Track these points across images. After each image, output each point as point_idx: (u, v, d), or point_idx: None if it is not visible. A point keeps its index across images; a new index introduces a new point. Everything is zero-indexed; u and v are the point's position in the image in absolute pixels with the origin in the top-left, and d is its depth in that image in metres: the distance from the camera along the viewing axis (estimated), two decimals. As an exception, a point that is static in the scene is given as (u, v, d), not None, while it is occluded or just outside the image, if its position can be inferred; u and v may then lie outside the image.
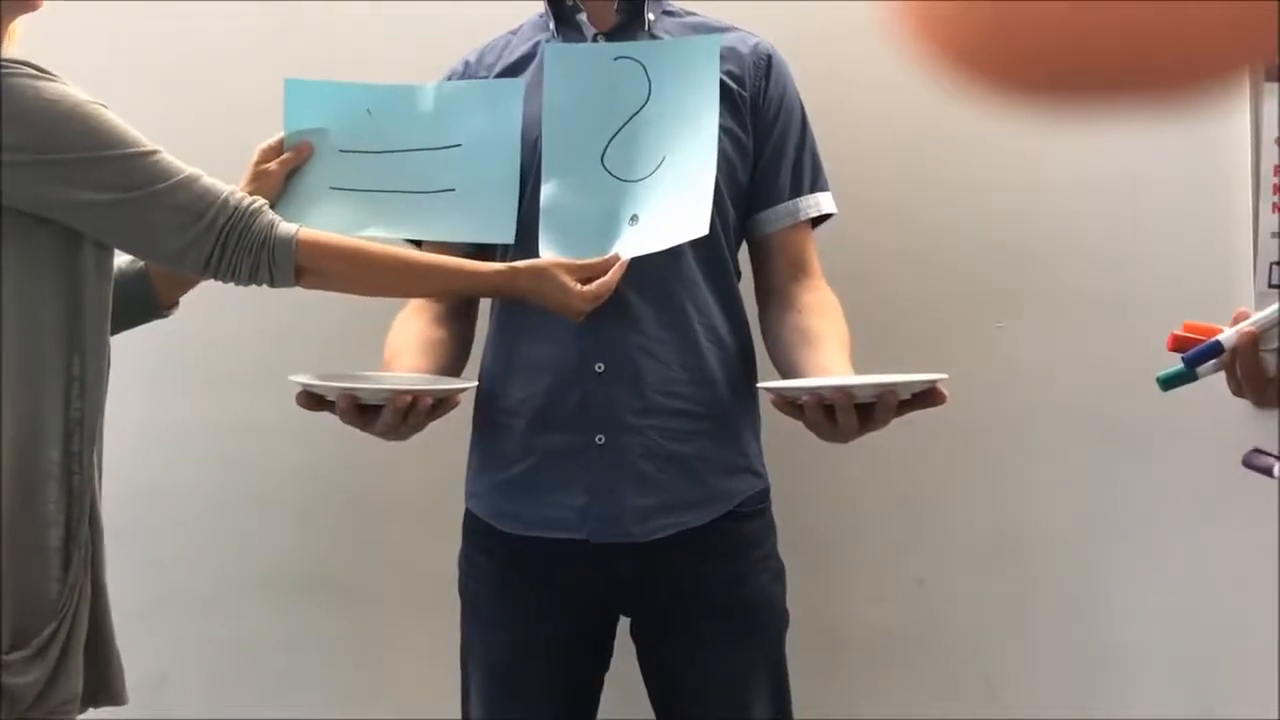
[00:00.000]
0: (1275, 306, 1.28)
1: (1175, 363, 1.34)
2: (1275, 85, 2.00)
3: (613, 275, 1.59)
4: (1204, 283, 2.06)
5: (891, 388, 1.44)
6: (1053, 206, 2.09)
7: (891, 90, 2.06)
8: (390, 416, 1.50)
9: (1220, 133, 2.04)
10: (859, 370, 1.61)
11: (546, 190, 1.66)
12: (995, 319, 2.11)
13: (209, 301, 2.18)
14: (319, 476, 2.16)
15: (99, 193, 1.46)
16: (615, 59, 1.68)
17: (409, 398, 1.50)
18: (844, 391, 1.44)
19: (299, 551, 2.17)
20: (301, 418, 2.16)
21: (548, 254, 1.63)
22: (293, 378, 1.54)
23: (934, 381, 1.46)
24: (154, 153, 1.50)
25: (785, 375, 1.67)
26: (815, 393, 1.46)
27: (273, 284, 1.55)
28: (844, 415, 1.45)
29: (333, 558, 2.17)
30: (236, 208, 1.51)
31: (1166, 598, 2.09)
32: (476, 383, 1.72)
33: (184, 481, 2.18)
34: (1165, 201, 2.08)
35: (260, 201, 1.55)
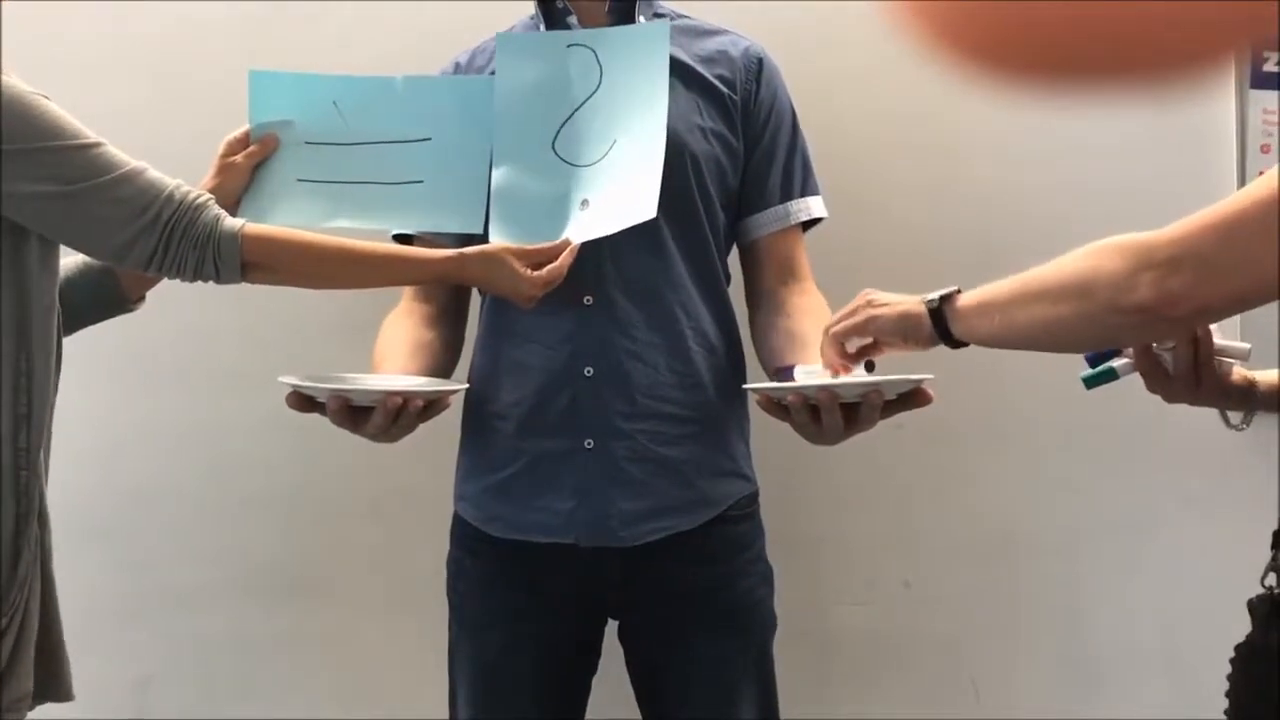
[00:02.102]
0: None
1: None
2: (1260, 92, 2.01)
3: (563, 260, 1.58)
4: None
5: (876, 387, 1.44)
6: (1041, 210, 2.10)
7: (881, 92, 2.08)
8: (381, 418, 1.50)
9: (1207, 139, 2.05)
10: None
11: (498, 176, 1.66)
12: (982, 323, 2.12)
13: (199, 299, 2.17)
14: (307, 477, 2.16)
15: (40, 184, 1.42)
16: (568, 46, 1.68)
17: (400, 399, 1.49)
18: (829, 391, 1.44)
19: (286, 552, 2.17)
20: (290, 418, 2.15)
21: (498, 239, 1.62)
22: (283, 379, 1.53)
23: (919, 382, 1.46)
24: (97, 145, 1.46)
25: (774, 378, 1.67)
26: (800, 393, 1.45)
27: (218, 280, 1.52)
28: (829, 416, 1.44)
29: (320, 559, 2.17)
30: (181, 202, 1.47)
31: (1152, 599, 2.10)
32: (467, 385, 1.71)
33: (170, 481, 2.17)
34: (1152, 206, 2.07)
35: (206, 196, 1.51)
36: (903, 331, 1.37)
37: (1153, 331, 1.24)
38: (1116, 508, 2.11)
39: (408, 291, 1.76)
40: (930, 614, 2.14)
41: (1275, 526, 1.38)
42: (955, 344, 1.33)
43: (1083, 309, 1.19)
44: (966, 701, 2.13)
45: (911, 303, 1.36)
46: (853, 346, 1.43)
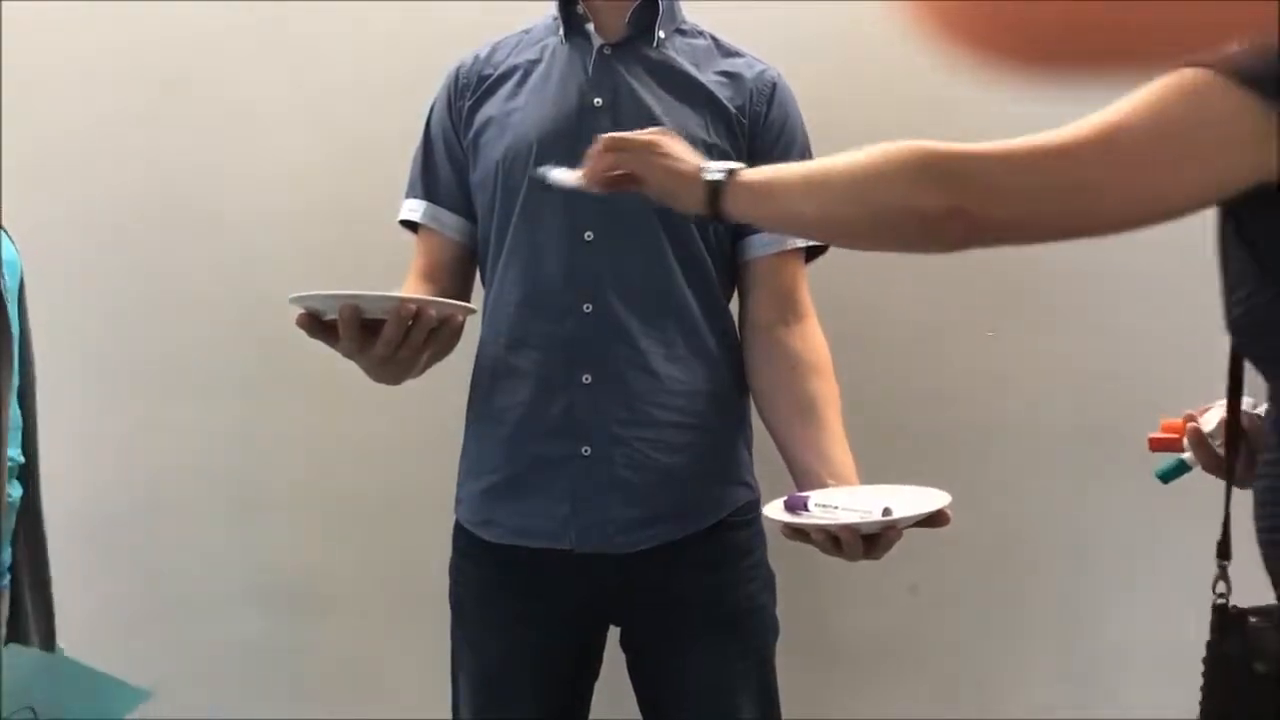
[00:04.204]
0: (1215, 413, 1.43)
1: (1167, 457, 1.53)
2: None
3: None
4: (1196, 291, 2.07)
5: (894, 524, 1.46)
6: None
7: (888, 98, 2.08)
8: (393, 330, 1.43)
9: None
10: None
11: None
12: (987, 327, 2.12)
13: (205, 308, 2.19)
14: (313, 484, 2.17)
15: None
16: None
17: (413, 308, 1.44)
18: (850, 529, 1.46)
19: (293, 559, 2.17)
20: (295, 425, 2.17)
21: None
22: (293, 296, 1.46)
23: (936, 510, 1.47)
24: None
25: (783, 448, 1.68)
26: (824, 529, 1.47)
27: None
28: (850, 549, 1.47)
29: (326, 565, 2.17)
30: None
31: (1158, 602, 2.10)
32: (476, 309, 1.65)
33: (177, 489, 2.18)
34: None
35: None
36: (669, 192, 1.39)
37: (929, 240, 1.24)
38: (1122, 512, 2.11)
39: (411, 274, 1.75)
40: (937, 619, 2.14)
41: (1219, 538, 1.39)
42: (720, 219, 1.36)
43: (866, 209, 1.22)
44: (974, 706, 2.13)
45: (690, 166, 1.37)
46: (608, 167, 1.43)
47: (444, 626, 1.77)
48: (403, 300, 1.45)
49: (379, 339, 1.44)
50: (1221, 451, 1.41)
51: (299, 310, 1.46)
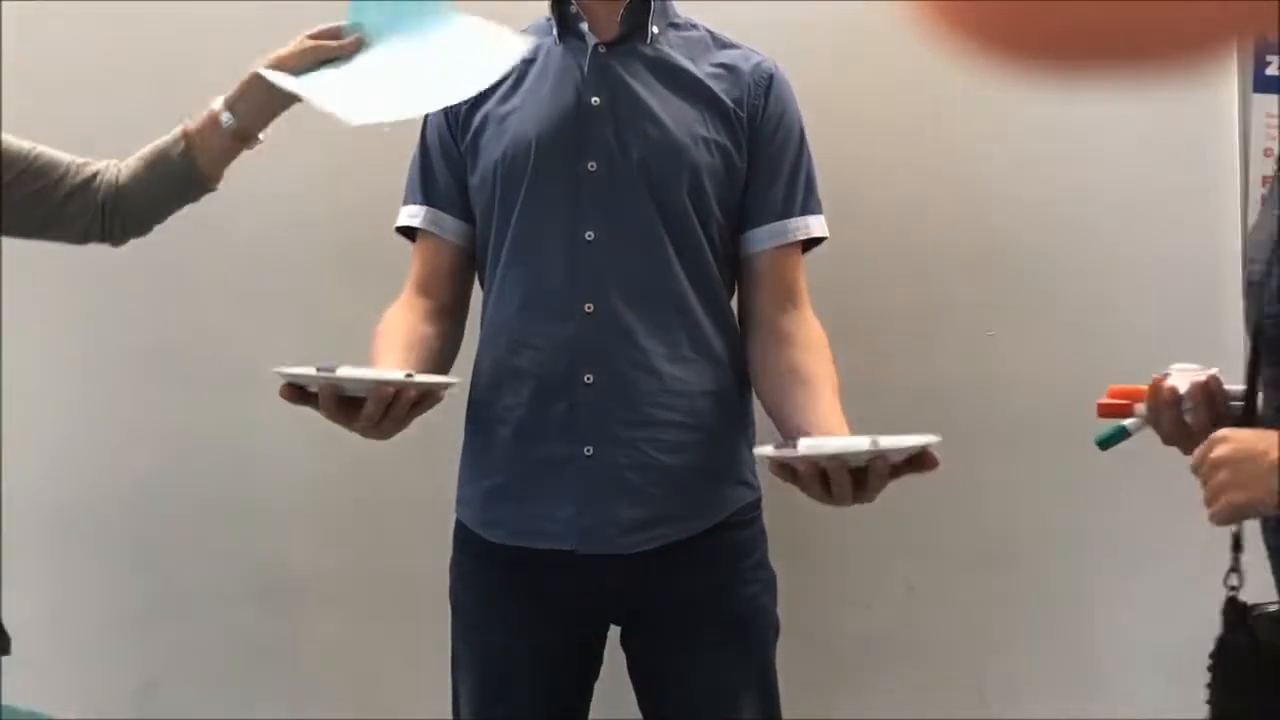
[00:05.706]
0: (1179, 378, 1.45)
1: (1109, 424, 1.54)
2: (1263, 96, 2.02)
3: None
4: (1194, 292, 2.08)
5: (881, 453, 1.44)
6: (1045, 216, 2.11)
7: (887, 101, 2.09)
8: (373, 408, 1.47)
9: (1210, 143, 2.05)
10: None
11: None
12: (986, 328, 2.12)
13: (203, 306, 2.19)
14: (312, 482, 2.16)
15: None
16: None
17: (391, 389, 1.47)
18: (839, 459, 1.44)
19: (292, 558, 2.17)
20: (294, 423, 2.16)
21: None
22: (276, 369, 1.50)
23: (924, 446, 1.45)
24: None
25: (777, 416, 1.67)
26: (811, 460, 1.45)
27: None
28: (838, 484, 1.45)
29: (325, 564, 2.17)
30: None
31: (1157, 602, 2.10)
32: (459, 380, 1.69)
33: (175, 486, 2.18)
34: (1155, 211, 2.10)
35: None
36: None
37: None
38: (1120, 511, 2.11)
39: (409, 285, 1.75)
40: (934, 618, 2.14)
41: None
42: None
43: None
44: (972, 706, 2.13)
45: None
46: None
47: (444, 626, 1.78)
48: (380, 383, 1.47)
49: (361, 415, 1.48)
50: (1189, 419, 1.43)
51: (282, 381, 1.49)
